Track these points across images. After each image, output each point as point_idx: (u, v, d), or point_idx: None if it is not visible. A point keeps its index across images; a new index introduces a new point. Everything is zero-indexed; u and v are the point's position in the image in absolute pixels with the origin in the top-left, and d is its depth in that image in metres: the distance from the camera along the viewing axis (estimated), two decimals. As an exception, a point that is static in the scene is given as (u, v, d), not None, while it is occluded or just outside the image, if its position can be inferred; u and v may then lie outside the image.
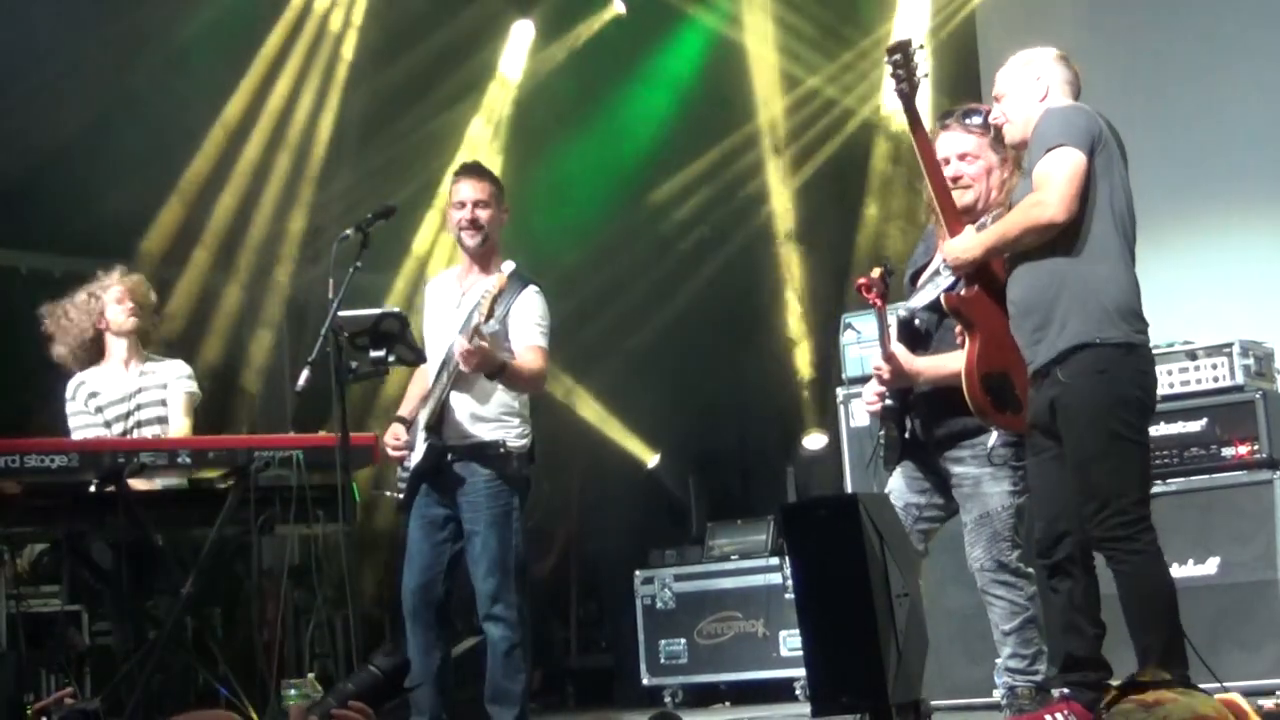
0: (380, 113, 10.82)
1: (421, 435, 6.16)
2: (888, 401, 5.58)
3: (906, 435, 5.58)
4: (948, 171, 5.46)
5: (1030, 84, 5.20)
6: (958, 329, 5.40)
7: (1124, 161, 5.11)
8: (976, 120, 5.49)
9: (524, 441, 6.20)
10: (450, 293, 6.36)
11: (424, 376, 6.32)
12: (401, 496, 6.28)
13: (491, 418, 6.16)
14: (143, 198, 9.70)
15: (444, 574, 6.19)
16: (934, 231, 5.69)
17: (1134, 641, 4.99)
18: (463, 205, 6.28)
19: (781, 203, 11.08)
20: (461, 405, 6.12)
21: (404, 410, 6.39)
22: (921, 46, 5.27)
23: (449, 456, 6.12)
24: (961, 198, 5.46)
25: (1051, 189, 4.94)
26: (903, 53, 5.20)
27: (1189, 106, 9.03)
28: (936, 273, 5.54)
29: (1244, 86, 8.94)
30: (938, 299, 5.47)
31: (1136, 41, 9.34)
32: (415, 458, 6.21)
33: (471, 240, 6.29)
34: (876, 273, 5.59)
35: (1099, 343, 4.94)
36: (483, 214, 6.26)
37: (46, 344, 6.91)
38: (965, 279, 5.31)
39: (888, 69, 5.27)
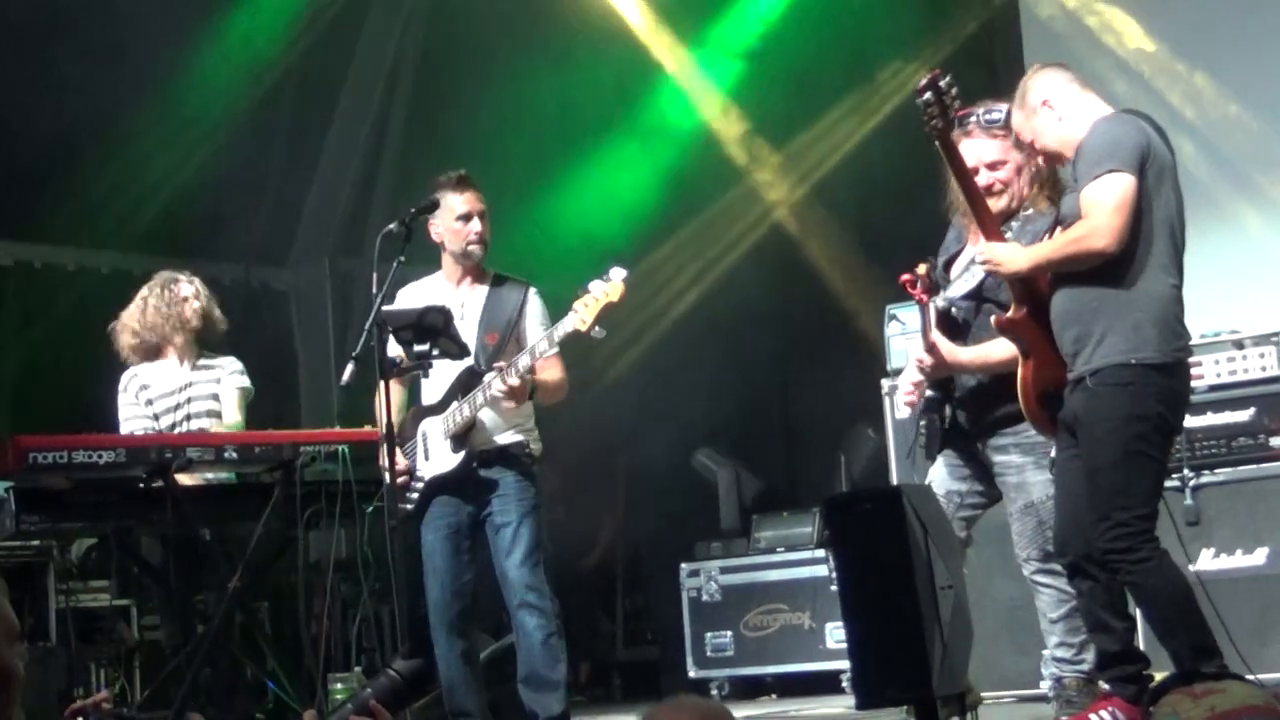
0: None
1: (447, 446, 6.15)
2: (929, 393, 5.57)
3: (946, 425, 5.56)
4: (980, 180, 5.42)
5: (1043, 111, 5.15)
6: (994, 317, 5.36)
7: (1173, 163, 5.06)
8: (997, 119, 5.43)
9: (539, 445, 6.27)
10: (444, 303, 6.19)
11: (395, 389, 6.11)
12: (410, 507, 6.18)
13: (515, 423, 6.20)
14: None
15: (470, 582, 6.20)
16: (962, 221, 5.67)
17: (1163, 646, 4.98)
18: (470, 218, 6.22)
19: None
20: (486, 412, 6.13)
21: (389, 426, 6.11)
22: (950, 80, 5.09)
23: (475, 463, 6.14)
24: (995, 204, 5.44)
25: (1102, 217, 4.89)
26: (933, 89, 5.05)
27: (1234, 89, 8.93)
28: (971, 262, 5.52)
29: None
30: (976, 288, 5.46)
31: (1191, 21, 9.23)
32: (431, 468, 6.19)
33: (481, 253, 6.27)
34: (922, 269, 5.52)
35: (1134, 363, 4.93)
36: (485, 226, 6.25)
37: (116, 338, 6.96)
38: (1014, 301, 5.25)
39: (920, 107, 5.08)
